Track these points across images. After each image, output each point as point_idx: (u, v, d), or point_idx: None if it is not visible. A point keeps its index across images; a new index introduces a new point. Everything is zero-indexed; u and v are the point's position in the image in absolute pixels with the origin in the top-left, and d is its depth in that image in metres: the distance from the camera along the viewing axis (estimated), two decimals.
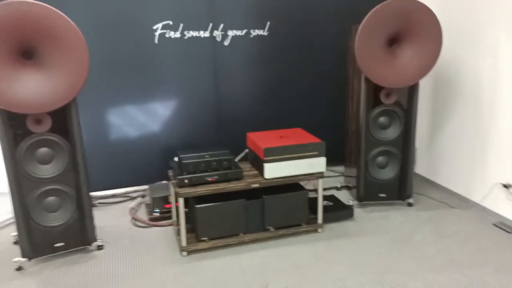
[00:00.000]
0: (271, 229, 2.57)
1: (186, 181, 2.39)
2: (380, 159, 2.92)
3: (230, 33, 3.31)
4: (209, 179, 2.43)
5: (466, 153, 3.02)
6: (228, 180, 2.47)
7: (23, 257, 2.28)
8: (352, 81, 3.01)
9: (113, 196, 3.30)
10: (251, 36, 3.36)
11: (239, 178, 2.48)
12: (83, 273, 2.28)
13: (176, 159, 2.77)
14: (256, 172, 2.61)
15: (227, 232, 2.49)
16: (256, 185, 2.46)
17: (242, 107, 3.46)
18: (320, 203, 2.63)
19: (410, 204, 3.02)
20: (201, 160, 2.43)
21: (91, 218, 2.40)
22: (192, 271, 2.28)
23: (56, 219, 2.35)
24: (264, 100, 3.50)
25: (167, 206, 2.89)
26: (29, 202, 2.26)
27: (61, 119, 2.26)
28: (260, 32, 3.38)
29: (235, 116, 3.45)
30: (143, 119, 3.30)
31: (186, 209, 2.62)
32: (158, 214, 2.88)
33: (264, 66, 3.44)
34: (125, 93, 3.19)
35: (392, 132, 2.89)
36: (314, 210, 2.67)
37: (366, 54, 2.60)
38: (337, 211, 2.81)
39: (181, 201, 2.37)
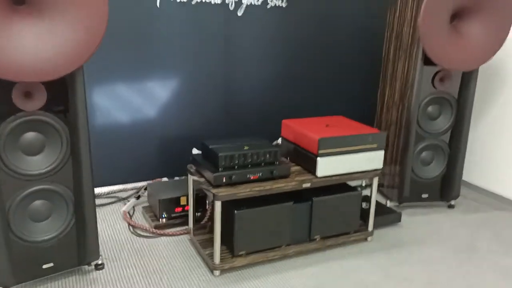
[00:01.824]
0: (317, 239, 2.09)
1: (224, 179, 1.84)
2: (425, 154, 2.54)
3: (245, 1, 2.76)
4: (251, 176, 1.90)
5: (504, 151, 2.72)
6: (273, 178, 1.95)
7: None
8: (393, 63, 2.59)
9: (96, 196, 2.64)
10: (268, 7, 2.84)
11: (285, 175, 1.97)
12: None
13: (195, 150, 2.20)
14: (298, 167, 2.11)
15: (268, 243, 1.97)
16: (308, 185, 1.97)
17: (255, 90, 2.93)
18: (373, 207, 2.19)
19: (451, 206, 2.67)
20: (241, 152, 1.88)
21: (94, 229, 1.78)
22: None
23: (45, 231, 1.70)
24: (281, 84, 2.99)
25: (178, 210, 2.31)
26: (9, 208, 1.60)
27: (59, 94, 1.62)
28: (279, 2, 2.86)
29: (247, 100, 2.91)
30: (136, 101, 2.66)
31: (204, 216, 2.07)
32: (164, 220, 2.29)
33: (282, 43, 2.93)
34: (115, 68, 2.54)
35: (441, 124, 2.51)
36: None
37: (432, 32, 2.19)
38: (383, 215, 2.38)
39: (218, 205, 1.81)
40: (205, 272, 1.91)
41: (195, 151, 2.13)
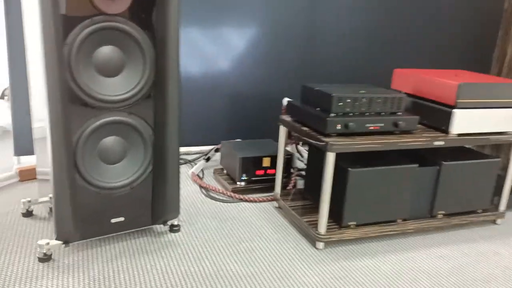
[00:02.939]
0: (439, 215, 1.66)
1: (339, 126, 1.44)
2: None
3: None
4: (371, 126, 1.49)
5: None
6: (394, 132, 1.54)
7: (56, 239, 1.28)
8: None
9: None
10: None
11: (411, 129, 1.55)
12: (161, 271, 1.31)
13: (286, 100, 1.81)
14: (419, 125, 1.69)
15: (383, 215, 1.56)
16: (441, 143, 1.54)
17: (342, 43, 2.50)
18: (510, 182, 1.74)
19: None
20: (358, 95, 1.48)
21: (176, 179, 1.41)
22: (349, 275, 1.35)
23: (117, 175, 1.35)
24: (373, 36, 2.55)
25: (259, 172, 1.93)
26: (76, 143, 1.25)
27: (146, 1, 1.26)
28: None
29: (332, 55, 2.49)
30: (208, 49, 2.29)
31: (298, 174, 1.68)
32: (243, 183, 1.91)
33: (374, 9, 2.49)
34: (189, 10, 2.18)
35: None
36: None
37: None
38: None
39: (331, 158, 1.41)
40: (304, 244, 1.52)
41: (286, 101, 1.75)
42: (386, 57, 2.58)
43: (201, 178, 2.05)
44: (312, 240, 1.53)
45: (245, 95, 2.38)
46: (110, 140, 1.32)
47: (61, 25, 1.14)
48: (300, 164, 2.25)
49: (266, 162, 1.93)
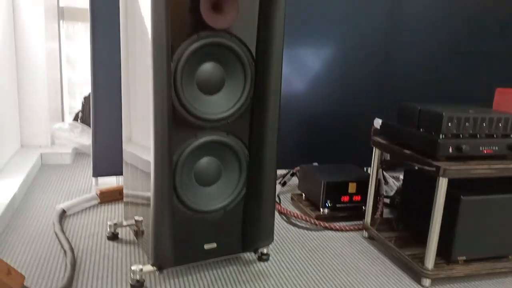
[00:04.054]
0: None
1: (451, 149, 1.31)
2: None
3: None
4: (485, 150, 1.35)
5: None
6: (510, 157, 1.39)
7: (152, 264, 1.20)
8: None
9: None
10: None
11: None
12: None
13: (378, 122, 1.70)
14: None
15: (495, 250, 1.40)
16: None
17: (423, 65, 2.37)
18: None
19: None
20: (471, 115, 1.35)
21: (272, 202, 1.32)
22: None
23: (213, 198, 1.28)
24: (456, 61, 2.41)
25: (344, 199, 1.81)
26: (176, 164, 1.19)
27: (249, 13, 1.21)
28: None
29: (409, 78, 2.37)
30: (284, 69, 2.23)
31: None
32: (327, 210, 1.80)
33: (459, 12, 2.37)
34: None
35: None
36: None
37: None
38: None
39: (443, 184, 1.28)
40: (407, 280, 1.38)
41: (379, 122, 1.64)
42: (475, 74, 2.42)
43: (279, 204, 1.96)
44: (417, 276, 1.38)
45: (320, 117, 2.29)
46: (205, 161, 1.26)
47: (170, 41, 1.10)
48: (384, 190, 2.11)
49: (352, 188, 1.81)
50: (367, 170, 2.37)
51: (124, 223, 1.52)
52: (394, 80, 2.34)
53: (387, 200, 1.97)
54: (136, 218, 1.39)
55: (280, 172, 2.31)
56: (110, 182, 2.02)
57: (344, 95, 2.29)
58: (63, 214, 1.64)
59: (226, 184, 1.29)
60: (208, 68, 1.20)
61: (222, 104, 1.23)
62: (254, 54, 1.23)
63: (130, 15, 1.27)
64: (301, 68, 2.23)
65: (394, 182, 2.02)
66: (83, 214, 1.71)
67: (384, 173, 2.04)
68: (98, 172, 1.95)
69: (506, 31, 2.43)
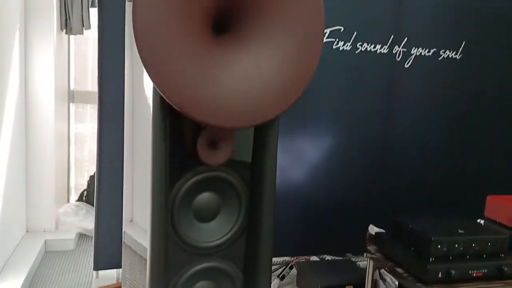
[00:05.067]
0: None
1: (440, 274, 1.34)
2: None
3: (414, 51, 2.36)
4: (474, 273, 1.38)
5: None
6: (502, 277, 1.42)
7: None
8: None
9: None
10: (440, 58, 2.41)
11: None
12: None
13: (373, 228, 1.74)
14: None
15: None
16: None
17: (419, 154, 2.44)
18: None
19: None
20: (459, 238, 1.39)
21: None
22: None
23: None
24: (450, 147, 2.47)
25: None
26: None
27: (244, 146, 1.29)
28: (452, 54, 2.43)
29: (408, 165, 2.42)
30: (282, 161, 2.29)
31: None
32: None
33: (453, 100, 2.46)
34: None
35: None
36: None
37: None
38: None
39: None
40: None
41: (374, 228, 1.68)
42: (473, 173, 2.48)
43: None
44: None
45: (318, 203, 2.33)
46: (200, 285, 1.30)
47: (168, 176, 1.17)
48: None
49: None
50: (365, 255, 2.38)
51: None
52: (392, 167, 2.40)
53: None
54: None
55: (277, 259, 2.34)
56: (111, 274, 2.05)
57: (343, 183, 2.35)
58: None
59: None
60: (204, 198, 1.26)
61: (217, 231, 1.28)
62: (248, 182, 1.30)
63: (136, 109, 1.36)
64: (299, 158, 2.30)
65: (392, 279, 2.03)
66: None
67: (381, 271, 2.06)
68: (100, 265, 1.99)
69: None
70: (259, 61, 1.13)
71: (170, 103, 1.05)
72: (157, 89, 1.05)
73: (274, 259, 2.34)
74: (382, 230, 1.64)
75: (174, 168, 1.19)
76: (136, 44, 1.02)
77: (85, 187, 2.89)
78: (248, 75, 1.12)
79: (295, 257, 2.28)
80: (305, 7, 1.13)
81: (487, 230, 1.46)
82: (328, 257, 2.29)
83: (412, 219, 1.53)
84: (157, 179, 1.13)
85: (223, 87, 1.09)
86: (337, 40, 2.23)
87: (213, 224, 1.28)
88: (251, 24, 1.14)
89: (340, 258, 2.38)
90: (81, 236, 2.59)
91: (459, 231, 1.43)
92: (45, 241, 2.31)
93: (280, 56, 1.14)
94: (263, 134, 1.26)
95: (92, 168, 2.88)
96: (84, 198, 2.84)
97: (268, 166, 1.28)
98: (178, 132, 1.19)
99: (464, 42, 2.42)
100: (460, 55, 2.43)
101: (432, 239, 1.36)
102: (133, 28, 1.03)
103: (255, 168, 1.29)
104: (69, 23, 2.39)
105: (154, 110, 1.11)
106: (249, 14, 1.13)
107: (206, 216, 1.27)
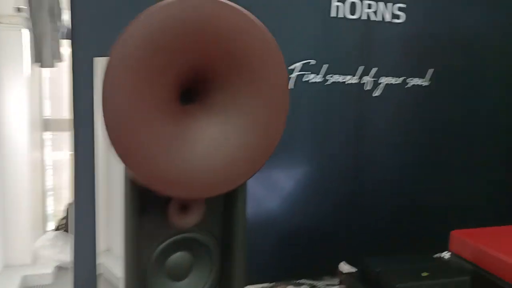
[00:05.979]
0: None
1: None
2: None
3: (383, 80, 2.44)
4: None
5: None
6: None
7: None
8: None
9: None
10: (408, 85, 2.49)
11: None
12: None
13: (344, 266, 1.81)
14: None
15: None
16: None
17: (392, 183, 2.52)
18: None
19: None
20: (421, 283, 1.46)
21: None
22: None
23: None
24: (422, 175, 2.56)
25: None
26: None
27: (215, 208, 1.33)
28: (420, 81, 2.51)
29: (381, 195, 2.50)
30: (257, 191, 2.35)
31: None
32: None
33: (421, 127, 2.54)
34: None
35: None
36: None
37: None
38: None
39: None
40: None
41: (344, 267, 1.74)
42: (436, 199, 2.57)
43: None
44: None
45: (292, 232, 2.40)
46: None
47: (141, 238, 1.20)
48: None
49: None
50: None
51: None
52: (365, 194, 2.48)
53: None
54: None
55: (255, 286, 2.39)
56: None
57: (318, 211, 2.41)
58: None
59: None
60: (177, 257, 1.30)
61: None
62: (219, 239, 1.34)
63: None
64: (273, 188, 2.36)
65: None
66: None
67: None
68: None
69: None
70: (227, 130, 1.17)
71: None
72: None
73: (256, 286, 2.40)
74: (352, 269, 1.70)
75: (147, 234, 1.23)
76: (103, 120, 1.03)
77: (63, 214, 2.90)
78: (216, 144, 1.16)
79: (273, 283, 2.33)
80: (272, 79, 1.17)
81: (451, 271, 1.54)
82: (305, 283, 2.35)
83: (380, 261, 1.60)
84: (129, 251, 1.16)
85: (190, 158, 1.13)
86: (308, 73, 2.29)
87: (185, 282, 1.32)
88: (219, 93, 1.18)
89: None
90: (60, 269, 2.59)
91: (423, 274, 1.51)
92: (22, 277, 2.31)
93: (249, 124, 1.18)
94: (232, 196, 1.30)
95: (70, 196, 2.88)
96: (63, 226, 2.84)
97: (237, 223, 1.31)
98: (150, 199, 1.22)
99: (431, 69, 2.51)
100: (429, 82, 2.52)
101: (397, 286, 1.43)
102: (102, 107, 1.04)
103: (225, 226, 1.33)
104: (40, 57, 2.38)
105: (125, 185, 1.14)
106: (216, 85, 1.17)
107: (179, 275, 1.31)
